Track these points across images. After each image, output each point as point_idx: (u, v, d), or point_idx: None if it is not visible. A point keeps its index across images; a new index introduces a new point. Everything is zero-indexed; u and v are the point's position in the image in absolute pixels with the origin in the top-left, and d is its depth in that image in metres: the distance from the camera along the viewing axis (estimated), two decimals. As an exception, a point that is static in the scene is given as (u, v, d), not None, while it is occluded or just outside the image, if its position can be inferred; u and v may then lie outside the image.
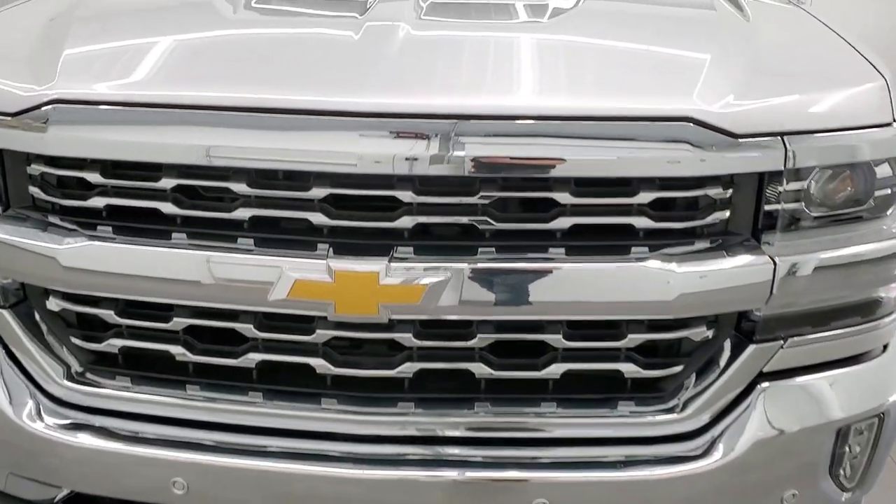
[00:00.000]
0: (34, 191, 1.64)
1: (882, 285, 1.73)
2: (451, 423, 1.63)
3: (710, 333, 1.64)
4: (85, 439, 1.67)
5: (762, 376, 1.68)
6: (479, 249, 1.55)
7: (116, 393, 1.68)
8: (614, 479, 1.63)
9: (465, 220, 1.55)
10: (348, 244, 1.55)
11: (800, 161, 1.55)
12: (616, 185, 1.55)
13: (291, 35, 1.83)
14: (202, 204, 1.59)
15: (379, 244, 1.55)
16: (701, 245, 1.58)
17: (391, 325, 1.58)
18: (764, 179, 1.58)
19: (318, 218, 1.55)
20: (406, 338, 1.59)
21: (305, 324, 1.60)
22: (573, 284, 1.54)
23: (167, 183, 1.56)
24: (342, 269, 1.51)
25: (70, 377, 1.70)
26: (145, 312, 1.65)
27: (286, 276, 1.51)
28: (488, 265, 1.53)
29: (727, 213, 1.60)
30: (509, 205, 1.58)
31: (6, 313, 1.70)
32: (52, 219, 1.63)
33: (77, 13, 1.90)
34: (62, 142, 1.55)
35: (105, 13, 1.92)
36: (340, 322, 1.57)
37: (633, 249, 1.56)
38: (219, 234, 1.58)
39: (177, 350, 1.65)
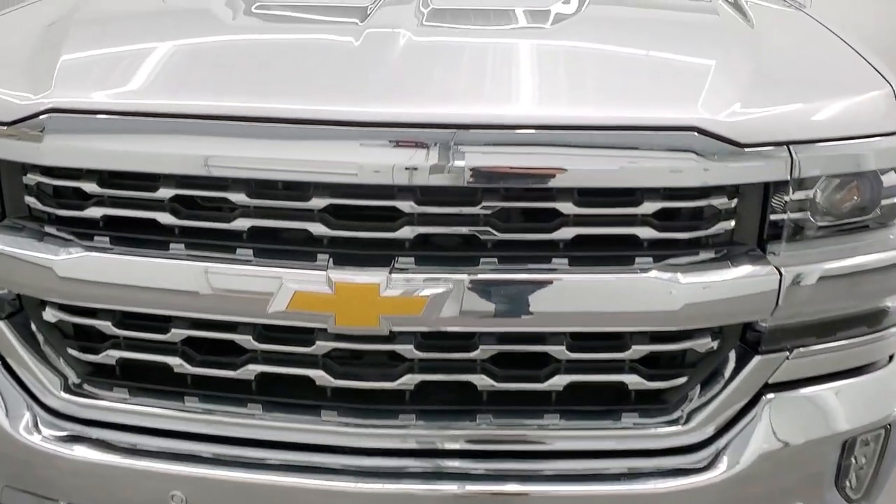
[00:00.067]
0: (30, 201, 1.62)
1: (888, 295, 1.71)
2: (453, 435, 1.61)
3: (714, 344, 1.62)
4: (82, 452, 1.65)
5: (767, 387, 1.66)
6: (481, 260, 1.53)
7: (114, 405, 1.66)
8: (617, 493, 1.60)
9: (466, 230, 1.53)
10: (348, 255, 1.53)
11: (806, 170, 1.53)
12: (620, 195, 1.53)
13: (291, 42, 1.81)
14: (200, 214, 1.57)
15: (379, 255, 1.52)
16: (706, 255, 1.56)
17: (392, 337, 1.56)
18: (769, 189, 1.57)
19: (317, 228, 1.53)
20: (407, 349, 1.57)
21: (305, 335, 1.58)
22: (577, 295, 1.52)
23: (165, 193, 1.54)
24: (342, 281, 1.49)
25: (67, 389, 1.68)
26: (143, 324, 1.63)
27: (286, 288, 1.49)
28: (490, 276, 1.51)
29: (732, 223, 1.58)
30: (511, 215, 1.56)
31: (2, 324, 1.68)
32: (49, 229, 1.61)
33: (74, 19, 1.88)
34: (58, 152, 1.53)
35: (103, 19, 1.90)
36: (340, 334, 1.55)
37: (637, 260, 1.54)
38: (217, 244, 1.55)
39: (175, 362, 1.62)
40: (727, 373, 1.65)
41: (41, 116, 1.53)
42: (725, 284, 1.53)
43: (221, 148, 1.49)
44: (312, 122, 1.48)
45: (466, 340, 1.59)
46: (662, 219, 1.54)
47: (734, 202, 1.56)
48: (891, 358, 1.77)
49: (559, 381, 1.60)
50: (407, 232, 1.52)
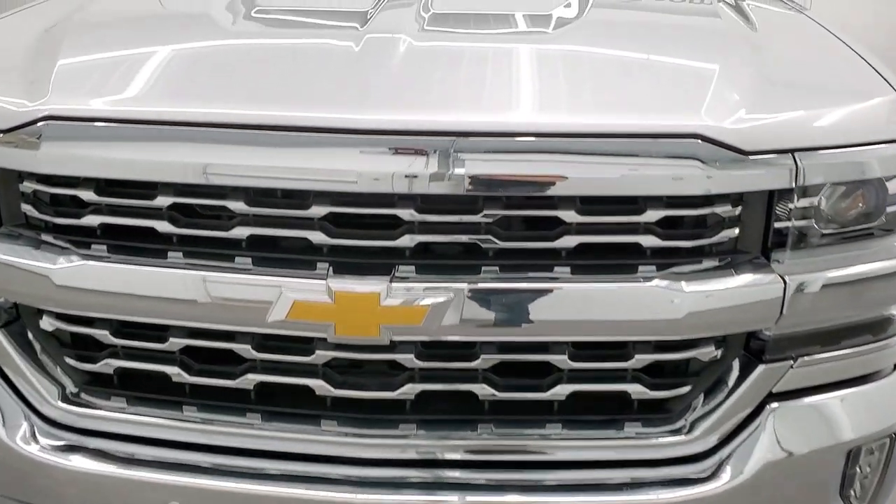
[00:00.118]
0: (27, 208, 1.61)
1: (894, 303, 1.69)
2: (454, 445, 1.59)
3: (718, 353, 1.60)
4: (79, 462, 1.64)
5: (771, 396, 1.64)
6: (483, 268, 1.51)
7: (112, 414, 1.64)
8: (619, 503, 1.59)
9: (468, 238, 1.52)
10: (348, 263, 1.51)
11: (810, 178, 1.52)
12: (622, 203, 1.51)
13: (290, 48, 1.80)
14: (199, 222, 1.55)
15: (380, 263, 1.51)
16: (709, 264, 1.54)
17: (392, 346, 1.54)
18: (774, 196, 1.55)
19: (317, 237, 1.51)
20: (408, 359, 1.55)
21: (304, 344, 1.56)
22: (579, 305, 1.50)
23: (163, 201, 1.52)
24: (342, 290, 1.47)
25: (64, 398, 1.66)
26: (141, 332, 1.61)
27: (285, 297, 1.48)
28: (492, 285, 1.49)
29: (736, 231, 1.56)
30: (513, 223, 1.54)
31: (-2, 333, 1.67)
32: (46, 237, 1.60)
33: (72, 23, 1.87)
34: (55, 159, 1.51)
35: (100, 23, 1.88)
36: (340, 343, 1.53)
37: (640, 268, 1.52)
38: (216, 252, 1.54)
39: (173, 371, 1.61)
40: (731, 382, 1.63)
41: (38, 124, 1.51)
42: (729, 293, 1.52)
43: (220, 156, 1.47)
44: (312, 129, 1.47)
45: (467, 349, 1.57)
46: (665, 227, 1.52)
47: (738, 210, 1.54)
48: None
49: (561, 391, 1.58)
50: (407, 240, 1.50)
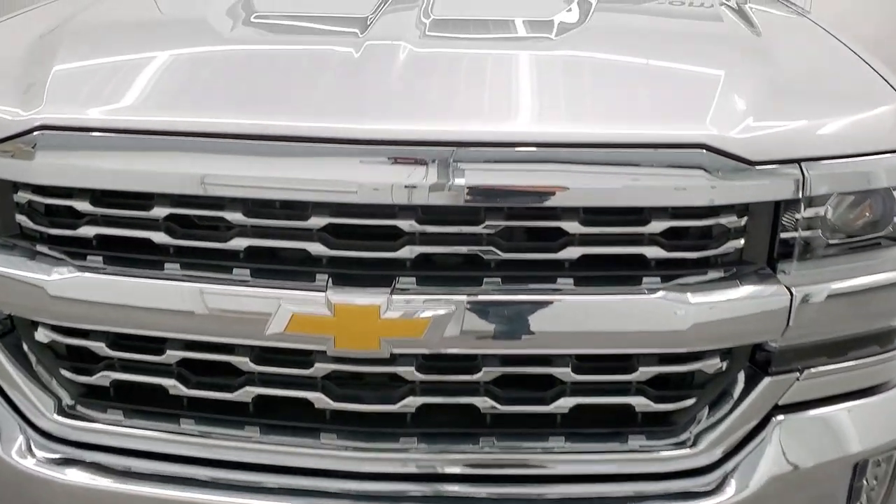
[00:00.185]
0: (21, 219, 1.58)
1: (901, 314, 1.67)
2: (455, 459, 1.57)
3: (723, 365, 1.58)
4: (76, 475, 1.61)
5: (777, 409, 1.62)
6: (485, 280, 1.49)
7: (108, 427, 1.62)
8: (623, 517, 1.57)
9: (469, 250, 1.49)
10: (348, 275, 1.49)
11: (818, 188, 1.50)
12: (627, 213, 1.48)
13: (290, 56, 1.76)
14: (196, 233, 1.52)
15: (380, 275, 1.48)
16: (714, 275, 1.52)
17: (393, 359, 1.52)
18: (780, 206, 1.52)
19: (316, 248, 1.49)
20: (408, 371, 1.53)
21: (303, 357, 1.54)
22: (583, 317, 1.48)
23: (159, 212, 1.50)
24: (342, 303, 1.45)
25: (60, 411, 1.63)
26: (137, 345, 1.59)
27: (283, 310, 1.45)
28: (494, 297, 1.47)
29: (741, 242, 1.53)
30: (515, 234, 1.52)
31: (-7, 344, 1.64)
32: (41, 248, 1.57)
33: (67, 30, 1.84)
34: (49, 170, 1.49)
35: (96, 30, 1.86)
36: (340, 356, 1.51)
37: (645, 280, 1.50)
38: (213, 264, 1.51)
39: (170, 383, 1.58)
40: (736, 394, 1.60)
41: (32, 133, 1.49)
42: (735, 305, 1.50)
43: (218, 166, 1.45)
44: (311, 139, 1.44)
45: (469, 362, 1.54)
46: (670, 238, 1.50)
47: (744, 220, 1.52)
48: (903, 377, 1.73)
49: (565, 404, 1.56)
50: (408, 252, 1.48)
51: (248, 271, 1.50)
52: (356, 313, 1.45)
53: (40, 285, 1.52)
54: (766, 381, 1.59)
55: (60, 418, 1.63)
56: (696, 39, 1.96)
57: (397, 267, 1.50)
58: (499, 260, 1.50)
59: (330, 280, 1.47)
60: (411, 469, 1.57)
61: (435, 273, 1.51)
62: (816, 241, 1.56)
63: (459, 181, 1.41)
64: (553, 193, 1.43)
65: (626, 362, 1.56)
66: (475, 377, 1.54)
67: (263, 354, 1.55)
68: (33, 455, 1.63)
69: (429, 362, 1.54)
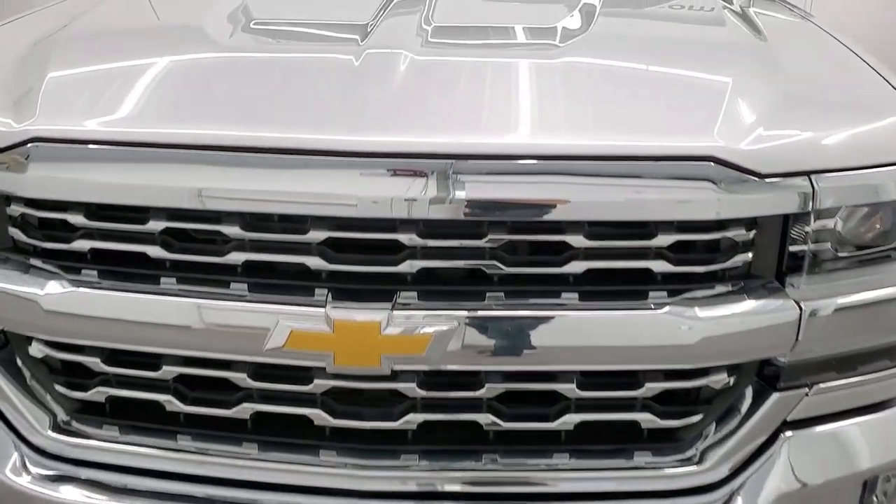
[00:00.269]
0: (14, 232, 1.55)
1: (913, 327, 1.64)
2: (457, 477, 1.54)
3: (731, 380, 1.54)
4: (71, 493, 1.57)
5: (786, 425, 1.59)
6: (487, 294, 1.46)
7: (104, 444, 1.59)
8: (628, 536, 1.54)
9: (472, 264, 1.46)
10: (348, 290, 1.46)
11: (828, 201, 1.46)
12: (633, 227, 1.45)
13: (289, 65, 1.73)
14: (192, 247, 1.49)
15: (380, 289, 1.45)
16: (722, 289, 1.49)
17: (394, 376, 1.48)
18: (789, 219, 1.49)
19: (315, 262, 1.46)
20: (409, 388, 1.50)
21: (302, 373, 1.51)
22: (589, 333, 1.45)
23: (155, 225, 1.47)
24: (342, 319, 1.41)
25: (55, 427, 1.60)
26: (133, 360, 1.55)
27: (282, 326, 1.42)
28: (498, 313, 1.44)
29: (750, 256, 1.50)
30: (519, 248, 1.48)
31: (-14, 359, 1.61)
32: (34, 262, 1.54)
33: (61, 38, 1.81)
34: (42, 183, 1.46)
35: (90, 39, 1.83)
36: (339, 373, 1.48)
37: (652, 294, 1.47)
38: (210, 279, 1.48)
39: (167, 399, 1.55)
40: (744, 409, 1.57)
41: (25, 146, 1.46)
42: (743, 320, 1.46)
43: (215, 180, 1.42)
44: (310, 152, 1.41)
45: (472, 378, 1.51)
46: (678, 251, 1.47)
47: (752, 233, 1.49)
48: (913, 392, 1.70)
49: (569, 420, 1.52)
50: (409, 266, 1.45)
51: (245, 286, 1.47)
52: (356, 329, 1.42)
53: (34, 300, 1.49)
54: (775, 396, 1.56)
55: (55, 435, 1.60)
56: (702, 46, 1.92)
57: (398, 281, 1.47)
58: (502, 274, 1.46)
59: (329, 295, 1.44)
60: (412, 487, 1.54)
61: (437, 288, 1.47)
62: (826, 254, 1.52)
63: (460, 194, 1.38)
64: (557, 207, 1.40)
65: (631, 378, 1.53)
66: (478, 394, 1.50)
67: (261, 370, 1.52)
68: (28, 472, 1.60)
69: (430, 378, 1.50)
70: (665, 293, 1.47)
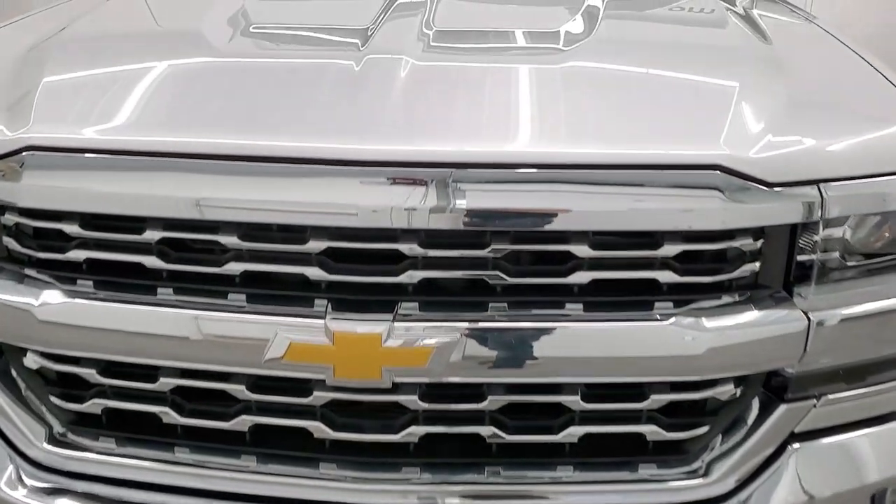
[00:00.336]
0: (8, 241, 1.52)
1: (922, 337, 1.61)
2: (459, 490, 1.51)
3: (737, 392, 1.52)
4: (66, 507, 1.56)
5: (793, 436, 1.56)
6: (490, 305, 1.43)
7: (100, 457, 1.56)
8: (632, 550, 1.51)
9: (474, 275, 1.43)
10: (348, 300, 1.43)
11: (837, 210, 1.44)
12: (638, 237, 1.43)
13: (288, 71, 1.69)
14: (190, 257, 1.47)
15: (381, 300, 1.43)
16: (728, 300, 1.46)
17: (395, 388, 1.45)
18: (797, 228, 1.47)
19: (315, 272, 1.43)
20: (411, 400, 1.47)
21: (301, 384, 1.48)
22: (594, 344, 1.42)
23: (152, 235, 1.44)
24: (342, 331, 1.39)
25: (51, 439, 1.58)
26: (130, 371, 1.53)
27: (281, 338, 1.40)
28: (501, 324, 1.41)
29: (757, 265, 1.47)
30: (522, 258, 1.46)
31: (-20, 370, 1.59)
32: (29, 271, 1.51)
33: (57, 43, 1.78)
34: (37, 192, 1.44)
35: (87, 44, 1.80)
36: (339, 385, 1.45)
37: (658, 305, 1.44)
38: (208, 289, 1.46)
39: (164, 412, 1.53)
40: (750, 421, 1.55)
41: (19, 154, 1.43)
42: (750, 331, 1.44)
43: (213, 189, 1.39)
44: (310, 160, 1.38)
45: (474, 390, 1.48)
46: (684, 261, 1.44)
47: (759, 243, 1.46)
48: (922, 403, 1.67)
49: (574, 433, 1.50)
50: (410, 276, 1.42)
51: (244, 297, 1.44)
52: (356, 342, 1.39)
53: (28, 310, 1.47)
54: (782, 408, 1.53)
55: (51, 447, 1.57)
56: (706, 50, 1.89)
57: (399, 292, 1.44)
58: (505, 284, 1.44)
59: (329, 306, 1.42)
60: (413, 501, 1.51)
61: (438, 298, 1.45)
62: (834, 264, 1.50)
63: (460, 203, 1.36)
64: (560, 217, 1.37)
65: (637, 390, 1.50)
66: (480, 406, 1.48)
67: (260, 382, 1.49)
68: (24, 485, 1.57)
69: (432, 390, 1.48)
70: (671, 304, 1.44)
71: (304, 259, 1.43)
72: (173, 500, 1.54)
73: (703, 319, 1.42)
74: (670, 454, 1.55)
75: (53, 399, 1.58)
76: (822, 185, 1.43)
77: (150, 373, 1.52)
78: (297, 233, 1.42)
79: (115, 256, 1.47)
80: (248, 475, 1.53)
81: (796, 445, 1.56)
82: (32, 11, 2.16)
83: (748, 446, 1.54)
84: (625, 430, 1.52)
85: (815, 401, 1.54)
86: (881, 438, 1.60)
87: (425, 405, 1.47)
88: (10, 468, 1.58)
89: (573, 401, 1.48)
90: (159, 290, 1.46)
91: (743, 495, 1.55)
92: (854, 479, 1.58)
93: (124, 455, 1.56)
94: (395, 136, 1.42)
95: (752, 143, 1.43)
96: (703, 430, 1.54)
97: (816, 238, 1.46)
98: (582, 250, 1.41)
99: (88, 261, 1.49)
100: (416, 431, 1.49)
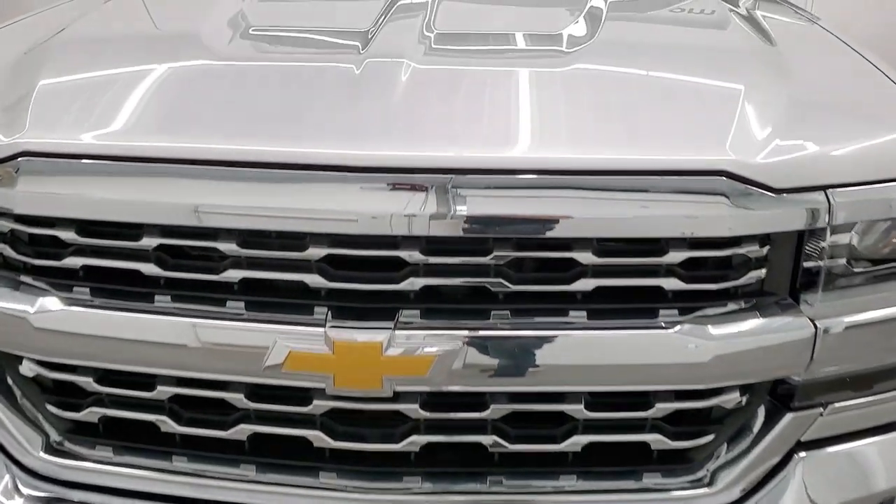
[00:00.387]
0: (3, 248, 1.50)
1: (930, 345, 1.59)
2: (461, 500, 1.49)
3: (743, 400, 1.50)
4: (62, 517, 1.54)
5: (799, 445, 1.54)
6: (493, 313, 1.41)
7: (97, 466, 1.54)
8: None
9: (477, 282, 1.41)
10: (348, 308, 1.41)
11: (844, 216, 1.42)
12: (643, 244, 1.40)
13: (287, 74, 1.67)
14: (188, 264, 1.44)
15: (382, 308, 1.41)
16: (734, 307, 1.44)
17: (396, 397, 1.43)
18: (803, 234, 1.45)
19: (314, 280, 1.41)
20: (412, 409, 1.45)
21: (301, 393, 1.46)
22: (598, 353, 1.40)
23: (149, 242, 1.42)
24: (342, 340, 1.37)
25: (47, 448, 1.56)
26: (127, 379, 1.50)
27: (280, 347, 1.38)
28: (503, 333, 1.39)
29: (763, 272, 1.45)
30: (525, 265, 1.44)
31: (-25, 379, 1.57)
32: (24, 278, 1.49)
33: (53, 46, 1.76)
34: (32, 199, 1.41)
35: (83, 47, 1.78)
36: (339, 394, 1.43)
37: (662, 312, 1.42)
38: (206, 297, 1.43)
39: (162, 420, 1.50)
40: (756, 429, 1.53)
41: (14, 160, 1.41)
42: (756, 339, 1.42)
43: (211, 195, 1.37)
44: (310, 166, 1.36)
45: (476, 398, 1.46)
46: (689, 268, 1.42)
47: (765, 249, 1.44)
48: (930, 410, 1.65)
49: (577, 442, 1.48)
50: (411, 284, 1.40)
51: (242, 304, 1.42)
52: (357, 351, 1.37)
53: (24, 317, 1.45)
54: (788, 416, 1.51)
55: (47, 456, 1.56)
56: (711, 53, 1.87)
57: (400, 299, 1.42)
58: (508, 292, 1.42)
59: (329, 314, 1.40)
60: (415, 512, 1.50)
61: (440, 306, 1.43)
62: (841, 270, 1.48)
63: (460, 210, 1.33)
64: (562, 223, 1.35)
65: (641, 398, 1.48)
66: (483, 415, 1.46)
67: (259, 390, 1.47)
68: (20, 494, 1.56)
69: (434, 399, 1.46)
70: (676, 311, 1.42)
71: (304, 266, 1.41)
72: (171, 510, 1.53)
73: (709, 327, 1.40)
74: (675, 463, 1.53)
75: (50, 407, 1.56)
76: (829, 190, 1.41)
77: (148, 381, 1.50)
78: (296, 239, 1.40)
79: (112, 263, 1.45)
80: (247, 484, 1.51)
81: (803, 454, 1.54)
82: (31, 12, 2.13)
83: (754, 455, 1.52)
84: (629, 438, 1.50)
85: (821, 409, 1.53)
86: (889, 447, 1.58)
87: (427, 414, 1.45)
88: (7, 477, 1.57)
89: (577, 409, 1.46)
90: (157, 297, 1.44)
91: (748, 504, 1.53)
92: (861, 488, 1.57)
93: (122, 464, 1.54)
94: (395, 141, 1.40)
95: (758, 148, 1.41)
96: (709, 438, 1.52)
97: (823, 244, 1.44)
98: (585, 257, 1.39)
99: (85, 268, 1.47)
100: (417, 440, 1.47)
